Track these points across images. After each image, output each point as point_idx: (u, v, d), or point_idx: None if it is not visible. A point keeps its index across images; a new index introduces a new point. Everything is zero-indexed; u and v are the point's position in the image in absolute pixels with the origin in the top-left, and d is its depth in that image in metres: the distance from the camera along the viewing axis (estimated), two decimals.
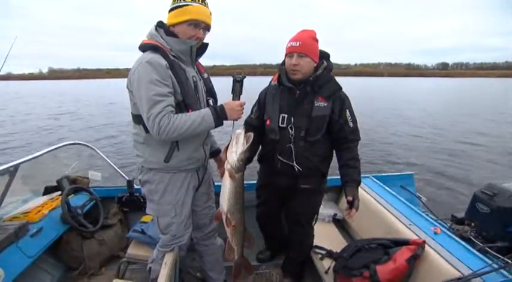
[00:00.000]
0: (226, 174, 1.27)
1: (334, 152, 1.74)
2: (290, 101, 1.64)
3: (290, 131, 1.62)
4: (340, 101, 1.62)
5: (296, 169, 1.63)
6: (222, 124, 1.40)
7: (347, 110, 1.62)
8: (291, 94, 1.64)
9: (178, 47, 1.36)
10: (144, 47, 1.34)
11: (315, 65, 1.60)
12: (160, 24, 1.39)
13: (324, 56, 1.65)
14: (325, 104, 1.58)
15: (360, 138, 1.70)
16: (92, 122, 11.88)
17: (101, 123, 11.65)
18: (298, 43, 1.52)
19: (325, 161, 1.72)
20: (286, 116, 1.63)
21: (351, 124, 1.63)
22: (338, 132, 1.63)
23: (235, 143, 1.26)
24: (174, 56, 1.36)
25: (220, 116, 1.37)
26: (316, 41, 1.57)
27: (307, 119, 1.59)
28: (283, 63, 1.67)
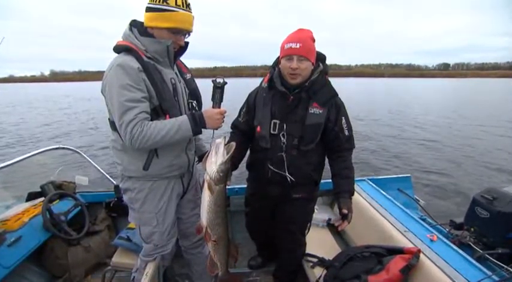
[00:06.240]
0: (205, 186, 1.19)
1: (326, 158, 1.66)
2: (282, 107, 1.52)
3: (282, 138, 1.51)
4: (336, 108, 1.52)
5: (289, 179, 1.54)
6: (200, 132, 1.33)
7: (343, 118, 1.53)
8: (284, 99, 1.52)
9: (153, 48, 1.28)
10: (117, 49, 1.26)
11: (313, 68, 1.48)
12: (134, 24, 1.30)
13: (320, 58, 1.52)
14: (320, 111, 1.48)
15: (355, 146, 1.62)
16: (80, 125, 11.73)
17: (89, 126, 11.51)
18: (298, 45, 1.36)
19: (318, 169, 1.64)
20: (278, 122, 1.52)
21: (347, 132, 1.54)
22: (333, 141, 1.55)
23: (214, 153, 1.17)
24: (149, 58, 1.28)
25: (198, 124, 1.29)
26: (314, 41, 1.44)
27: (300, 127, 1.49)
28: (275, 65, 1.55)
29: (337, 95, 1.54)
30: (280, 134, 1.52)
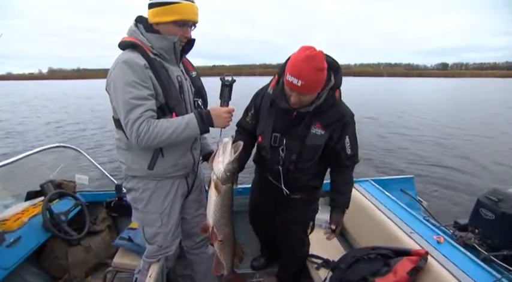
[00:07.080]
0: (212, 185, 1.17)
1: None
2: (285, 121, 1.46)
3: (281, 152, 1.49)
4: (341, 128, 1.44)
5: (284, 193, 1.55)
6: (208, 131, 1.30)
7: (347, 136, 1.47)
8: (288, 114, 1.44)
9: (159, 44, 1.25)
10: (123, 45, 1.23)
11: (319, 91, 1.34)
12: (139, 20, 1.27)
13: (333, 68, 1.35)
14: (323, 133, 1.42)
15: (358, 161, 1.60)
16: (80, 124, 11.60)
17: (89, 124, 11.39)
18: (300, 83, 1.21)
19: (317, 177, 1.64)
20: (278, 135, 1.49)
21: (349, 151, 1.50)
22: (334, 157, 1.53)
23: (222, 152, 1.15)
24: (155, 54, 1.25)
25: (205, 122, 1.26)
26: (322, 70, 1.23)
27: (300, 144, 1.45)
28: (279, 78, 1.42)
29: (344, 117, 1.44)
30: (280, 148, 1.49)
